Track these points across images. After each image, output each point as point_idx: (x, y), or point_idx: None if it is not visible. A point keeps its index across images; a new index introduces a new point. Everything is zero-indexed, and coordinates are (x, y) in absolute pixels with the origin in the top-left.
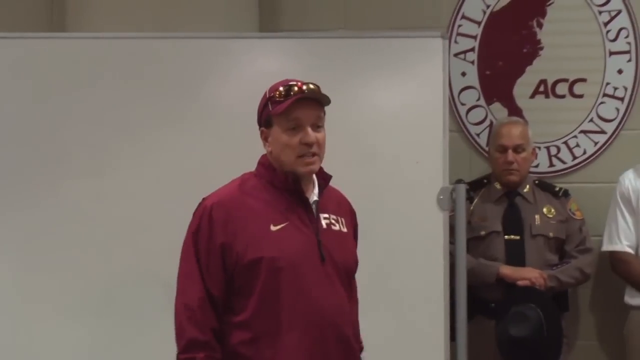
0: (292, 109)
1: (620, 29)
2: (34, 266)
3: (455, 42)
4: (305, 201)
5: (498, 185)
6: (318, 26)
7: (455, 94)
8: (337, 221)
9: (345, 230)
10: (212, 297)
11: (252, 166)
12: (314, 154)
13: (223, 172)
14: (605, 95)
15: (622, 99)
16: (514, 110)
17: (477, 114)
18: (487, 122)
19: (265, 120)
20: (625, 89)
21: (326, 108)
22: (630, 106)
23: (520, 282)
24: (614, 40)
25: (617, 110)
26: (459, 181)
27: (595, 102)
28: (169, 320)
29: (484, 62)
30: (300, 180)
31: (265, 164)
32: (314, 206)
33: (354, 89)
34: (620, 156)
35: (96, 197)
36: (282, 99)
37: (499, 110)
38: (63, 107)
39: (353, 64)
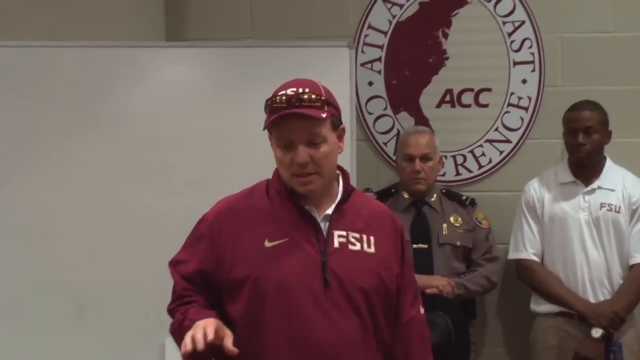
0: (279, 125)
1: (524, 39)
2: None
3: (362, 51)
4: (310, 216)
5: (406, 195)
6: (225, 35)
7: (363, 103)
8: (359, 240)
9: (370, 250)
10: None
11: (158, 177)
12: (309, 173)
13: (128, 180)
14: (510, 104)
15: (526, 109)
16: (421, 120)
17: (384, 123)
18: (394, 131)
19: (265, 127)
20: (530, 98)
21: (233, 116)
22: (534, 115)
23: (428, 290)
24: (518, 50)
25: (522, 119)
26: (367, 190)
27: (500, 112)
28: (75, 328)
29: (391, 72)
30: (306, 194)
31: (276, 171)
32: (323, 224)
33: (261, 97)
34: (525, 165)
35: (1, 205)
36: (272, 109)
37: (405, 120)
38: None
39: (260, 72)
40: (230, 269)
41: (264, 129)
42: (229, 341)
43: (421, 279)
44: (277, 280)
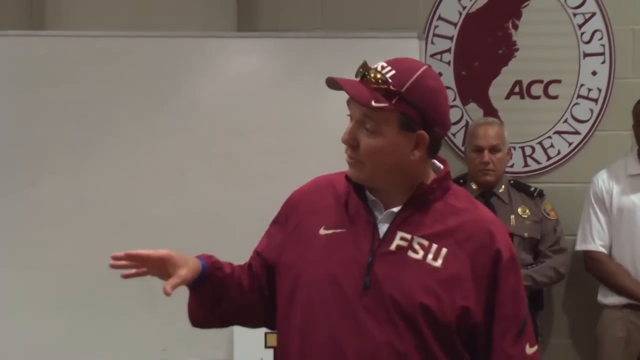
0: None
1: (595, 31)
2: (14, 262)
3: (432, 43)
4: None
5: (474, 186)
6: (295, 26)
7: None
8: (425, 248)
9: (435, 263)
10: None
11: (228, 164)
12: (351, 158)
13: (199, 170)
14: (579, 96)
15: (596, 100)
16: (490, 111)
17: (453, 114)
18: (463, 123)
19: None
20: (599, 90)
21: (303, 107)
22: (604, 107)
23: None
24: (589, 42)
25: (591, 111)
26: None
27: (570, 103)
28: (147, 314)
29: (460, 63)
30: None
31: None
32: (382, 224)
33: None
34: (593, 157)
35: (75, 193)
36: None
37: (474, 111)
38: (42, 105)
39: (330, 63)
40: (283, 250)
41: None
42: (173, 280)
43: None
44: (316, 272)
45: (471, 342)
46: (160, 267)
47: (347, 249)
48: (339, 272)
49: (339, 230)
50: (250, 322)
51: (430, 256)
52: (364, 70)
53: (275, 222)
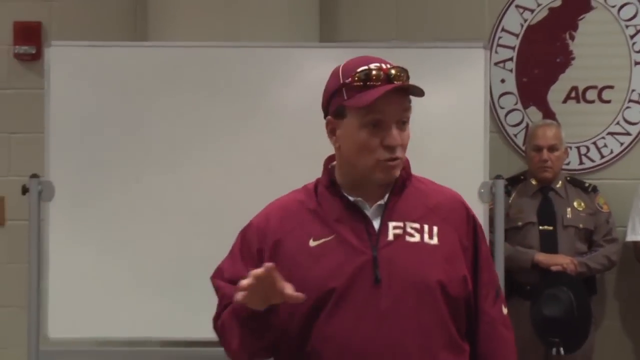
0: (376, 102)
1: None
2: (118, 250)
3: (496, 52)
4: (358, 209)
5: (533, 181)
6: (373, 37)
7: (495, 98)
8: (418, 230)
9: (432, 242)
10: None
11: (312, 163)
12: (397, 158)
13: (286, 168)
14: (630, 100)
15: None
16: (548, 114)
17: (515, 117)
18: (523, 124)
19: (335, 109)
20: None
21: None
22: None
23: (553, 268)
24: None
25: None
26: (498, 177)
27: (622, 107)
28: None
29: (521, 70)
30: (359, 185)
31: (325, 166)
32: (375, 216)
33: None
34: None
35: (175, 189)
36: (360, 86)
37: (534, 114)
38: (146, 108)
39: None
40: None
41: (362, 106)
42: (288, 289)
43: (547, 258)
44: (321, 282)
45: (469, 307)
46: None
47: (346, 251)
48: (347, 274)
49: (329, 238)
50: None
51: (426, 236)
52: (396, 73)
53: (241, 257)
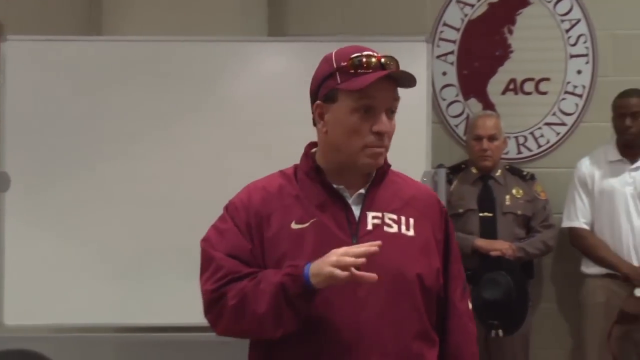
0: (370, 87)
1: (580, 35)
2: (72, 239)
3: (438, 45)
4: (339, 197)
5: (474, 170)
6: (320, 31)
7: (437, 90)
8: (396, 221)
9: (409, 233)
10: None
11: (261, 154)
12: (382, 145)
13: (236, 159)
14: (566, 92)
15: (580, 96)
16: (488, 105)
17: (456, 108)
18: (464, 115)
19: (327, 93)
20: (584, 87)
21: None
22: (587, 102)
23: (492, 253)
24: (574, 45)
25: (577, 105)
26: (440, 166)
27: (558, 98)
28: (185, 284)
29: (462, 63)
30: (342, 172)
31: (306, 152)
32: (355, 205)
33: None
34: (578, 145)
35: (128, 179)
36: (354, 72)
37: (474, 105)
38: (100, 100)
39: None
40: (260, 253)
41: (351, 90)
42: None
43: (486, 243)
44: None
45: (439, 299)
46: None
47: (327, 237)
48: None
49: (311, 221)
50: None
51: (403, 227)
52: (388, 61)
53: (239, 232)
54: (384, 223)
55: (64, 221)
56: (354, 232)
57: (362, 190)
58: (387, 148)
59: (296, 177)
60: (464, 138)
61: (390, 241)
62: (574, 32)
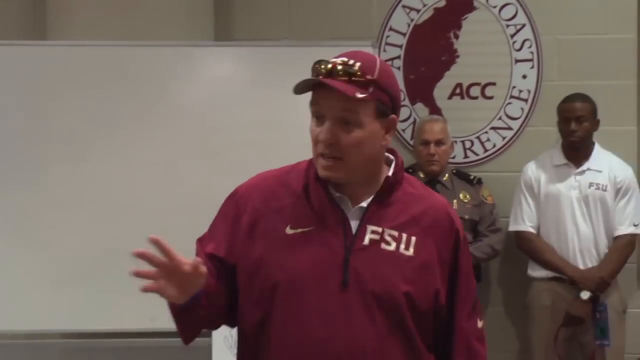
0: (314, 92)
1: (525, 40)
2: (17, 242)
3: (384, 50)
4: (337, 205)
5: (421, 174)
6: (266, 35)
7: None
8: (396, 239)
9: (408, 252)
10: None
11: (209, 159)
12: (333, 157)
13: (184, 163)
14: (512, 97)
15: (526, 100)
16: (434, 110)
17: (403, 113)
18: (411, 120)
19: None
20: (529, 91)
21: (274, 106)
22: (533, 106)
23: None
24: (519, 49)
25: (522, 109)
26: None
27: (503, 103)
28: (133, 290)
29: (409, 68)
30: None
31: None
32: (356, 216)
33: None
34: (524, 149)
35: (76, 182)
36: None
37: (421, 110)
38: (47, 106)
39: (295, 68)
40: (245, 252)
41: (294, 92)
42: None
43: None
44: (290, 272)
45: (437, 323)
46: (172, 273)
47: (320, 247)
48: (317, 270)
49: (307, 229)
50: (216, 325)
51: (402, 246)
52: (337, 69)
53: (222, 220)
54: (382, 239)
55: (9, 226)
56: (349, 245)
57: (363, 204)
58: (345, 159)
59: (307, 174)
60: (412, 142)
61: (384, 259)
62: (519, 37)
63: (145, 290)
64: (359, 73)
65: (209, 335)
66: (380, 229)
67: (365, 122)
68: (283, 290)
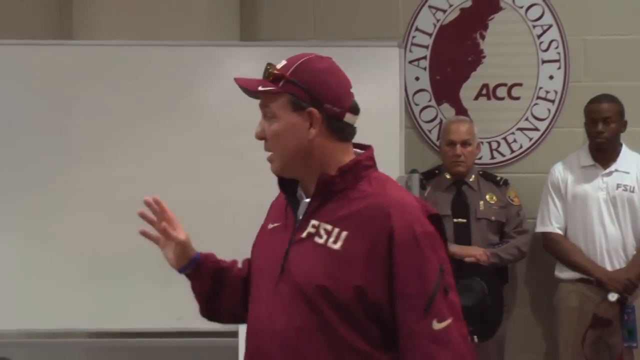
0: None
1: (551, 41)
2: (43, 241)
3: (410, 51)
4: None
5: (447, 175)
6: (291, 36)
7: (410, 95)
8: (328, 233)
9: (335, 246)
10: None
11: (232, 159)
12: (268, 151)
13: (207, 163)
14: (538, 97)
15: (553, 101)
16: (461, 110)
17: (429, 113)
18: (437, 120)
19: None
20: (556, 92)
21: None
22: (559, 107)
23: (467, 259)
24: (546, 50)
25: (549, 110)
26: (414, 171)
27: (530, 104)
28: (163, 288)
29: (435, 69)
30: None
31: None
32: (298, 213)
33: None
34: (551, 150)
35: (98, 183)
36: None
37: (447, 110)
38: (71, 105)
39: None
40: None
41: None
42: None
43: (461, 249)
44: (256, 262)
45: (381, 318)
46: (168, 234)
47: (277, 239)
48: (269, 261)
49: (277, 224)
50: (236, 317)
51: (331, 240)
52: (266, 71)
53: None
54: (317, 233)
55: (34, 225)
56: (292, 238)
57: (307, 199)
58: (274, 152)
59: None
60: (437, 143)
61: (311, 252)
62: (546, 38)
63: (142, 233)
64: (273, 72)
65: (236, 336)
66: (317, 223)
67: (281, 115)
68: (252, 279)
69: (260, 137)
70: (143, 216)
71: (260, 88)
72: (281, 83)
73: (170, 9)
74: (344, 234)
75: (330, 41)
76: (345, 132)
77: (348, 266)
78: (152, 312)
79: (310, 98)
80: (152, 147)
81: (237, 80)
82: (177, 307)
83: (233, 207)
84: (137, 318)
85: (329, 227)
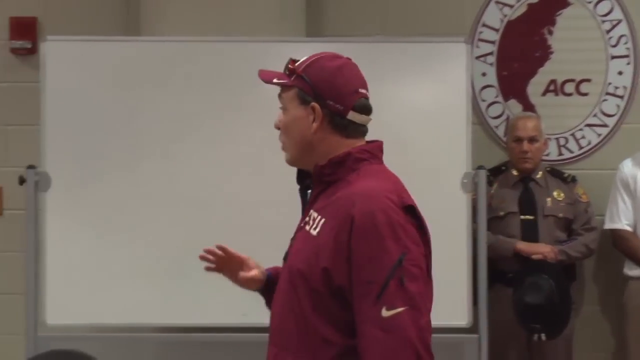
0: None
1: (621, 36)
2: (113, 238)
3: (477, 46)
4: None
5: (514, 172)
6: (358, 32)
7: (477, 91)
8: (314, 221)
9: (314, 233)
10: None
11: None
12: (280, 140)
13: (275, 160)
14: (607, 93)
15: (622, 97)
16: (528, 106)
17: (496, 109)
18: (504, 116)
19: None
20: (625, 88)
21: None
22: (629, 103)
23: (534, 256)
24: (615, 45)
25: (618, 106)
26: (480, 167)
27: (599, 100)
28: (225, 286)
29: (502, 64)
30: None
31: None
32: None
33: (390, 88)
34: (620, 146)
35: (168, 179)
36: None
37: (514, 106)
38: (139, 101)
39: (389, 65)
40: None
41: None
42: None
43: (528, 246)
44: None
45: (348, 304)
46: (235, 268)
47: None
48: (288, 252)
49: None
50: None
51: (313, 226)
52: (286, 65)
53: None
54: (308, 222)
55: (105, 221)
56: (298, 226)
57: (309, 190)
58: (285, 143)
59: None
60: (504, 139)
61: (301, 239)
62: (615, 33)
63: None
64: (289, 66)
65: None
66: (312, 212)
67: (290, 107)
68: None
69: (276, 126)
70: (205, 259)
71: (274, 80)
72: (293, 77)
73: (236, 5)
74: (322, 221)
75: (396, 37)
76: (348, 129)
77: (319, 250)
78: (218, 308)
79: (314, 93)
80: (219, 143)
81: (259, 72)
82: (242, 303)
83: (298, 203)
84: (203, 313)
85: (316, 215)
